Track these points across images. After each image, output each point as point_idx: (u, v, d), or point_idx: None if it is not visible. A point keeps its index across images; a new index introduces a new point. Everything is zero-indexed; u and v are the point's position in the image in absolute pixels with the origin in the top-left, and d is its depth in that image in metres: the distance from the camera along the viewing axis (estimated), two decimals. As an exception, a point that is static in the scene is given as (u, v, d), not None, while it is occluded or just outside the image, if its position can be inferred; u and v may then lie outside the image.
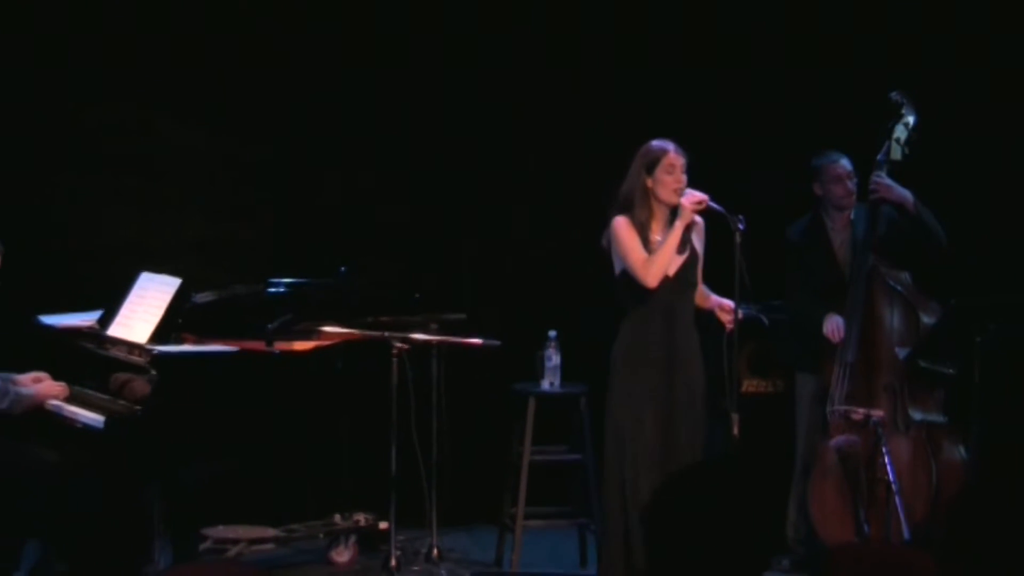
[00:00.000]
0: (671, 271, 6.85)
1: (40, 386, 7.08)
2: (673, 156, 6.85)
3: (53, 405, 7.13)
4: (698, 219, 6.96)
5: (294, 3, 8.75)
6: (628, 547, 6.80)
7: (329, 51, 8.82)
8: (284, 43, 8.76)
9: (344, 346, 7.62)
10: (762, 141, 8.66)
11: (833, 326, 7.21)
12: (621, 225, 6.92)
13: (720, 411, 7.39)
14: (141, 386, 7.18)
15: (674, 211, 6.86)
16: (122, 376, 7.29)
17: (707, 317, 7.38)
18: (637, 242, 6.86)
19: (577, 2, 9.06)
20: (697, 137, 7.13)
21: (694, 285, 6.96)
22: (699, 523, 3.57)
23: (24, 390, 6.99)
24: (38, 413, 7.07)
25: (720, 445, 7.32)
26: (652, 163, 6.88)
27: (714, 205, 6.75)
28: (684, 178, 6.84)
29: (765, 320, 7.76)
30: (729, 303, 6.82)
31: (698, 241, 6.98)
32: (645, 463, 6.79)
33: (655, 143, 6.91)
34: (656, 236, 6.88)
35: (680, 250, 6.87)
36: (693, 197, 6.76)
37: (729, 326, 6.82)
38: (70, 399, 7.21)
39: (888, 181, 7.21)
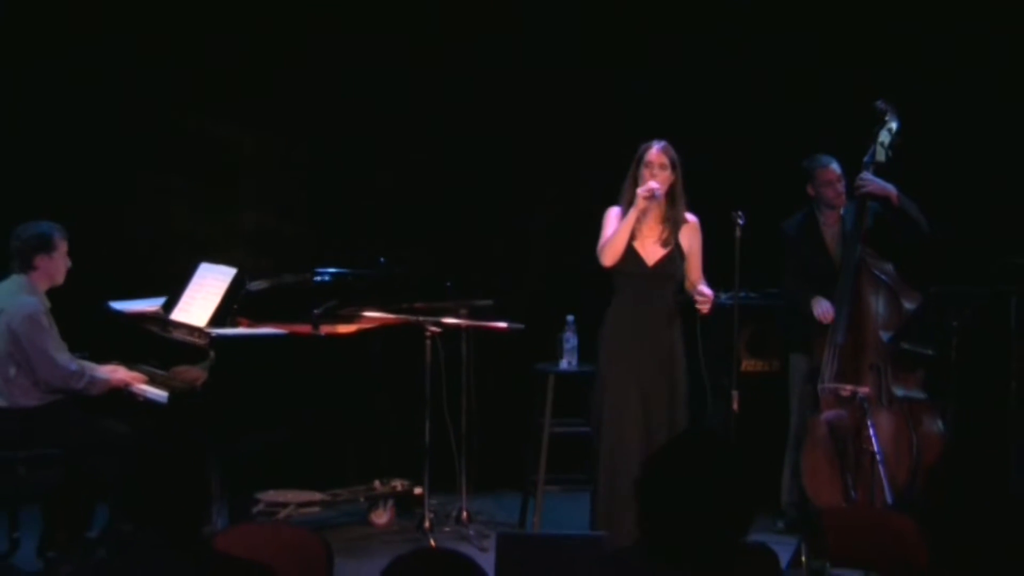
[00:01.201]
0: (651, 261, 6.85)
1: (116, 374, 7.15)
2: (653, 153, 6.83)
3: (124, 384, 7.20)
4: (691, 219, 6.96)
5: (333, 15, 8.74)
6: (615, 510, 6.83)
7: (368, 57, 8.80)
8: (327, 53, 8.75)
9: (383, 329, 7.66)
10: (762, 143, 8.65)
11: (822, 308, 7.23)
12: (608, 213, 6.95)
13: (721, 388, 7.43)
14: (196, 373, 7.24)
15: (667, 203, 6.88)
16: (180, 368, 7.35)
17: (716, 310, 7.45)
18: (610, 229, 6.88)
19: (610, 4, 9.03)
20: (705, 137, 7.14)
21: (674, 277, 6.92)
22: (689, 488, 3.58)
23: (100, 376, 7.05)
24: (111, 391, 7.15)
25: (721, 418, 7.34)
26: (638, 159, 6.88)
27: (658, 195, 6.75)
28: (664, 175, 6.80)
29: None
30: (705, 289, 6.81)
31: (687, 239, 6.93)
32: (629, 434, 6.81)
33: (649, 141, 6.91)
34: (642, 226, 6.90)
35: (664, 244, 6.88)
36: (643, 188, 6.75)
37: (703, 310, 6.82)
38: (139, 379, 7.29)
39: (872, 179, 7.22)
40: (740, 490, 3.60)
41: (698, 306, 6.80)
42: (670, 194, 6.87)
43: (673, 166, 6.85)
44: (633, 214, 6.79)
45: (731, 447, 3.69)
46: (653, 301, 6.90)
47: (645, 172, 6.83)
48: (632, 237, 6.86)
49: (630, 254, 6.87)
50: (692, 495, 3.55)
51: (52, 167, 8.25)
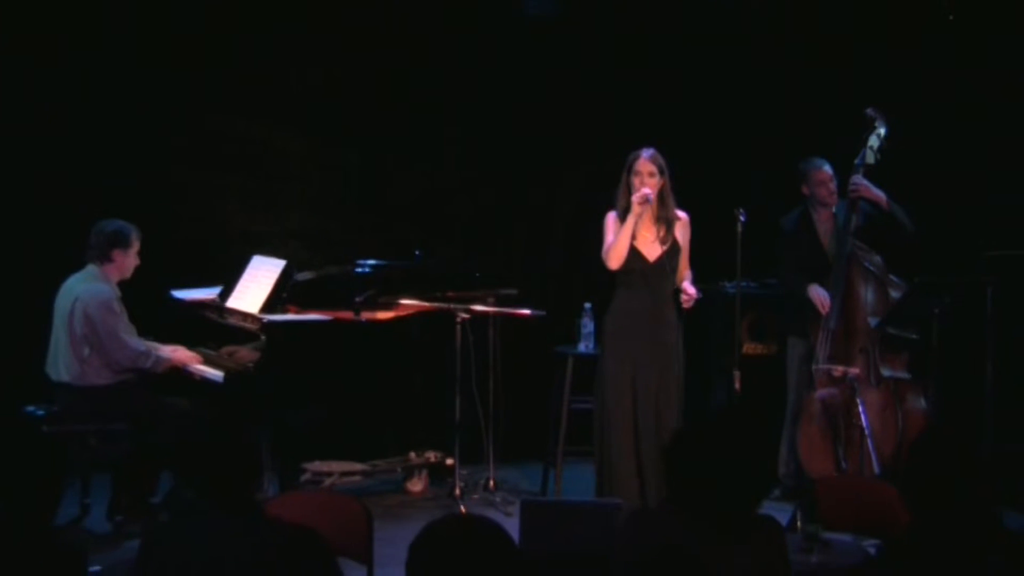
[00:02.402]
0: (651, 258, 6.86)
1: (177, 353, 7.18)
2: (641, 162, 6.84)
3: (183, 364, 7.24)
4: (682, 215, 6.98)
5: (367, 32, 8.76)
6: (613, 480, 6.86)
7: (403, 65, 8.83)
8: (363, 65, 8.78)
9: (417, 316, 7.67)
10: (762, 146, 8.64)
11: (818, 294, 7.22)
12: (607, 219, 6.97)
13: (724, 369, 7.44)
14: (247, 353, 7.27)
15: (659, 208, 6.89)
16: (230, 348, 7.39)
17: (720, 298, 7.47)
18: (611, 233, 6.90)
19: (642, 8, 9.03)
20: (710, 142, 7.15)
21: (674, 270, 6.93)
22: (716, 459, 3.60)
23: (164, 355, 7.08)
24: (172, 371, 7.18)
25: (724, 396, 7.35)
26: (628, 167, 6.89)
27: (651, 200, 6.76)
28: (653, 181, 6.80)
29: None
30: (690, 288, 6.83)
31: (680, 234, 6.95)
32: (626, 412, 6.85)
33: (637, 151, 6.91)
34: (640, 227, 6.90)
35: (663, 242, 6.87)
36: (637, 195, 6.77)
37: (686, 306, 6.84)
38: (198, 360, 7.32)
39: (866, 183, 7.20)
40: (760, 464, 3.63)
41: (683, 302, 6.86)
42: (660, 196, 6.87)
43: (661, 171, 6.86)
44: (631, 220, 6.81)
45: (758, 426, 3.71)
46: (653, 294, 6.91)
47: (635, 180, 6.84)
48: (632, 237, 6.88)
49: (632, 253, 6.89)
50: (718, 465, 3.58)
51: (119, 172, 8.26)
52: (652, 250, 6.90)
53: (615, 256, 6.85)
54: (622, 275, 6.93)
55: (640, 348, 6.87)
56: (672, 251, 6.91)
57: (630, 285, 6.93)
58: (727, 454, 3.60)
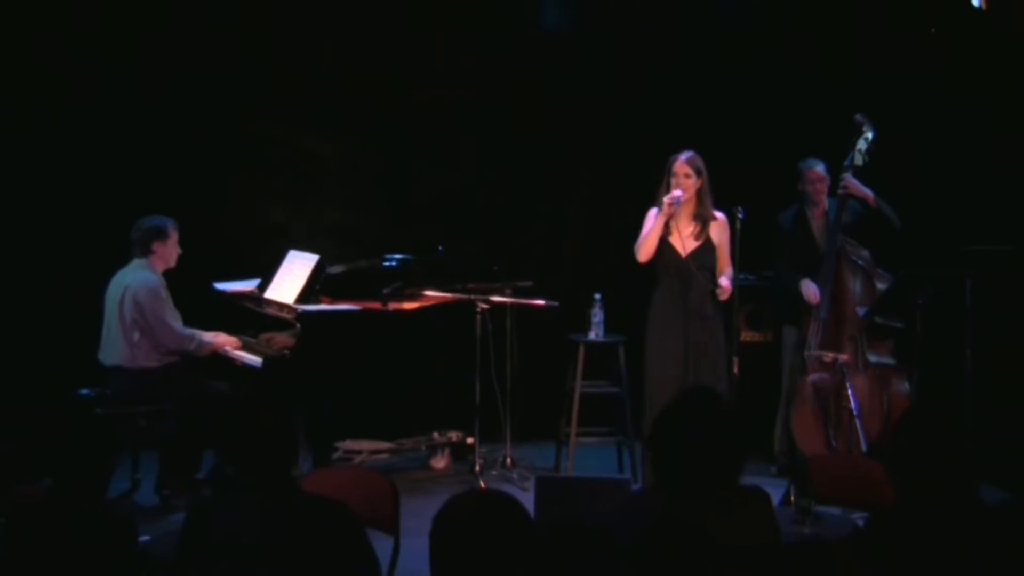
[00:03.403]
0: (684, 253, 6.91)
1: (218, 338, 7.21)
2: (678, 165, 6.89)
3: (225, 351, 7.26)
4: (719, 216, 7.01)
5: (396, 47, 8.77)
6: None
7: (429, 75, 8.85)
8: (392, 76, 8.78)
9: (440, 306, 7.68)
10: (760, 147, 8.63)
11: (809, 290, 7.21)
12: (648, 215, 7.00)
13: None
14: (283, 339, 7.28)
15: (696, 207, 6.94)
16: (267, 335, 7.40)
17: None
18: (646, 228, 6.94)
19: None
20: (712, 145, 7.15)
21: (708, 266, 6.97)
22: (688, 437, 3.61)
23: (207, 339, 7.11)
24: (214, 356, 7.20)
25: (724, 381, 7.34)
26: (668, 169, 6.93)
27: (679, 201, 6.82)
28: (688, 182, 6.86)
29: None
30: (724, 281, 6.87)
31: (716, 234, 6.98)
32: (669, 395, 6.85)
33: (678, 153, 6.95)
34: (678, 223, 6.94)
35: (696, 238, 6.92)
36: (668, 196, 6.83)
37: (721, 297, 6.88)
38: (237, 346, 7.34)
39: (856, 182, 7.19)
40: (731, 438, 3.63)
41: (718, 295, 6.90)
42: (698, 195, 6.95)
43: (698, 173, 6.91)
44: (661, 219, 6.88)
45: (724, 403, 3.71)
46: (689, 287, 6.94)
47: (672, 181, 6.89)
48: (668, 233, 6.94)
49: (667, 248, 6.96)
50: (691, 442, 3.58)
51: (165, 175, 8.29)
52: (685, 246, 6.95)
53: (644, 250, 6.93)
54: (660, 269, 6.97)
55: (677, 339, 6.91)
56: (705, 248, 6.97)
57: (666, 278, 6.98)
58: (698, 431, 3.60)
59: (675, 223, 6.94)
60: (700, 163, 6.93)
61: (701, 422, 3.60)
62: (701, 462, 3.57)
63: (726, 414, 3.66)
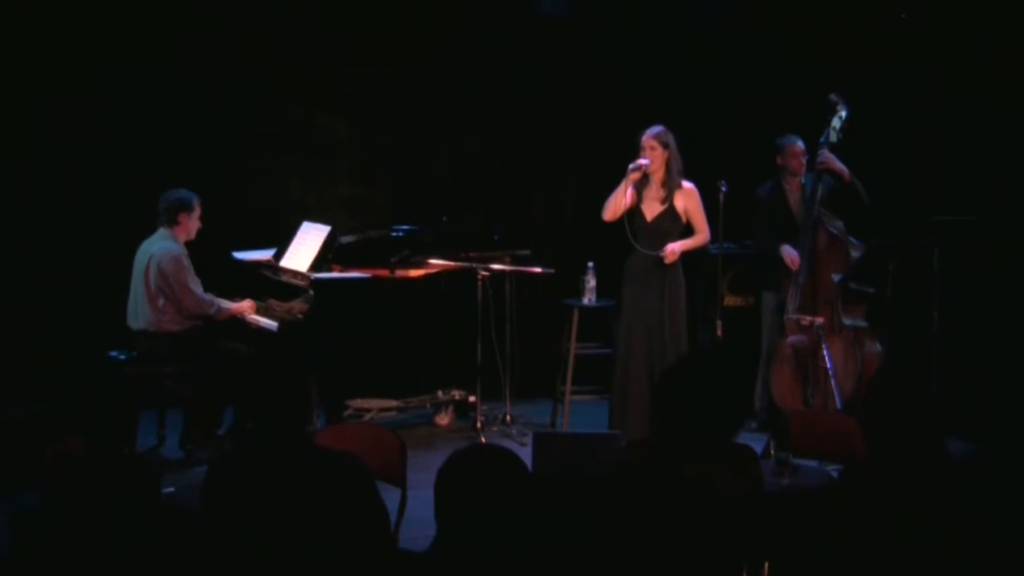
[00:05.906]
0: (649, 217, 7.06)
1: (237, 304, 7.21)
2: (645, 138, 7.04)
3: (244, 315, 7.26)
4: (687, 185, 7.06)
5: (402, 33, 8.74)
6: (627, 412, 6.96)
7: (435, 61, 8.84)
8: (400, 62, 8.78)
9: (445, 273, 7.68)
10: (738, 131, 8.62)
11: (788, 253, 7.19)
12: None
13: (709, 319, 7.45)
14: (297, 306, 7.27)
15: (664, 176, 7.04)
16: (285, 304, 7.38)
17: (705, 257, 7.48)
18: (616, 193, 7.05)
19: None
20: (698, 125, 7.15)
21: (671, 231, 7.04)
22: (694, 394, 3.61)
23: (225, 305, 7.11)
24: (233, 320, 7.20)
25: (708, 342, 7.35)
26: (639, 142, 7.05)
27: (644, 168, 6.95)
28: (655, 154, 6.99)
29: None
30: (672, 244, 6.96)
31: (682, 201, 7.06)
32: (637, 353, 7.01)
33: (649, 128, 7.05)
34: (648, 191, 7.08)
35: (662, 203, 7.05)
36: (634, 164, 6.97)
37: (666, 261, 6.97)
38: (255, 311, 7.34)
39: (832, 157, 7.15)
40: (732, 399, 3.63)
41: (662, 257, 6.97)
42: (667, 166, 7.03)
43: (664, 146, 7.01)
44: (626, 183, 7.00)
45: (732, 368, 3.72)
46: (653, 249, 6.99)
47: (641, 153, 7.02)
48: (640, 200, 7.05)
49: (637, 212, 7.07)
50: (696, 400, 3.58)
51: (192, 153, 8.27)
52: (651, 211, 7.07)
53: (608, 210, 7.11)
54: (631, 232, 7.03)
55: (648, 299, 7.02)
56: (669, 213, 7.05)
57: (635, 240, 7.04)
58: (706, 392, 3.60)
59: (646, 191, 7.06)
60: (668, 138, 7.04)
61: (706, 382, 3.61)
62: (703, 419, 3.58)
63: (731, 377, 3.67)
